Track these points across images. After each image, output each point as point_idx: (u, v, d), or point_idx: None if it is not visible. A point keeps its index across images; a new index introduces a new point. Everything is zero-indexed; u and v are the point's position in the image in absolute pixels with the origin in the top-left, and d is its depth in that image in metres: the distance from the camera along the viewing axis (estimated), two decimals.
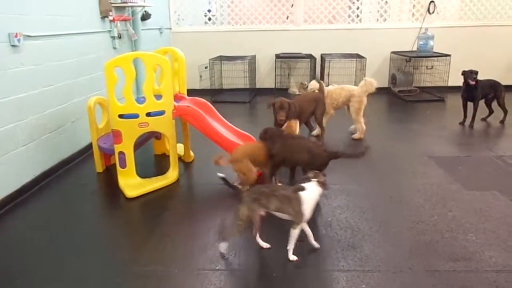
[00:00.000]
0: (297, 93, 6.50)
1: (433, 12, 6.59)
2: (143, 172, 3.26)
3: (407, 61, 6.54)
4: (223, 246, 2.28)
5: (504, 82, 4.87)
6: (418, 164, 3.62)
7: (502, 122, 4.83)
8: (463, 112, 4.83)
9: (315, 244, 2.32)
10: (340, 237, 2.46)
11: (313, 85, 4.40)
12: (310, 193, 2.21)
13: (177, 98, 3.52)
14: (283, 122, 3.57)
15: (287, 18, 6.77)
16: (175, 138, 3.26)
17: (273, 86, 6.60)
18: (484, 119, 4.92)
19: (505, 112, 4.81)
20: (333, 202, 2.92)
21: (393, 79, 6.73)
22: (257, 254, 2.32)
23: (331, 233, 2.51)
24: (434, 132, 4.61)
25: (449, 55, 6.16)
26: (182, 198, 3.14)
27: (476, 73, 4.61)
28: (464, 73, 4.69)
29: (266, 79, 6.81)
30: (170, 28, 6.76)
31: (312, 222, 2.61)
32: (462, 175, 3.31)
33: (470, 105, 4.76)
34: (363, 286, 2.03)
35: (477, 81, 4.62)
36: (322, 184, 2.25)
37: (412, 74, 6.65)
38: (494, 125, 4.80)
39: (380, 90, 6.64)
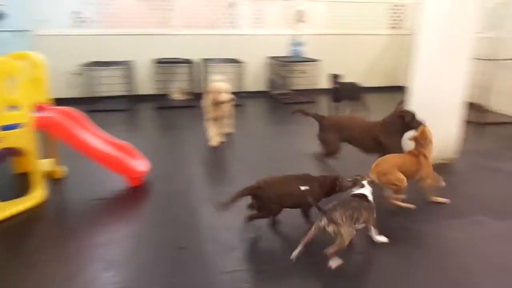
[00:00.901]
0: (179, 98, 6.42)
1: (303, 20, 7.11)
2: (1, 195, 2.84)
3: (282, 66, 6.94)
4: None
5: (365, 84, 5.48)
6: (294, 162, 3.86)
7: None
8: (331, 112, 5.30)
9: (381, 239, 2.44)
10: (222, 240, 2.48)
11: (217, 85, 4.16)
12: (371, 196, 2.39)
13: (39, 108, 3.16)
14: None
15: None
16: (37, 154, 2.92)
17: (153, 93, 6.40)
18: None
19: (366, 110, 5.41)
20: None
21: (270, 83, 7.08)
22: (137, 269, 2.20)
23: (213, 236, 2.51)
24: (308, 131, 4.94)
25: (318, 60, 6.71)
26: (50, 219, 2.81)
27: (340, 76, 5.10)
28: (330, 76, 5.15)
29: (145, 85, 6.56)
30: (32, 31, 6.07)
31: (195, 227, 2.59)
32: (332, 169, 3.60)
33: (337, 105, 5.25)
34: (246, 285, 2.07)
35: (341, 83, 5.12)
36: (372, 183, 2.47)
37: (287, 78, 7.07)
38: None
39: (259, 94, 7.00)
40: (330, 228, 2.16)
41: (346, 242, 2.18)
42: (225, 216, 2.78)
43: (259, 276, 2.15)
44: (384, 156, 2.97)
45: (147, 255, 2.34)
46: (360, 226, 2.30)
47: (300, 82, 7.10)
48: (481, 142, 4.66)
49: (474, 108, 5.23)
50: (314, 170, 3.59)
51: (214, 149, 4.20)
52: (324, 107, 6.09)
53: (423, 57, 3.65)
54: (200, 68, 6.58)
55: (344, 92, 5.18)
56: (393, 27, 7.72)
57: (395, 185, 2.82)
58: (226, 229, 2.61)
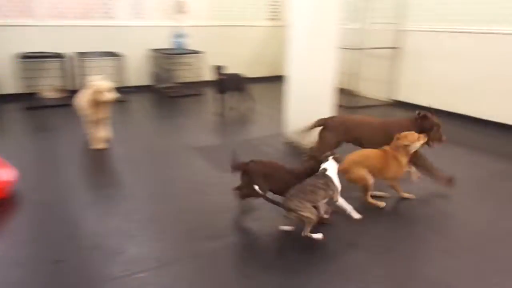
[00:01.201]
0: (51, 97, 5.82)
1: (184, 11, 6.98)
2: None
3: (165, 58, 6.75)
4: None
5: (248, 74, 5.62)
6: (183, 156, 3.80)
7: (248, 109, 5.58)
8: (217, 104, 5.34)
9: (356, 215, 2.62)
10: (106, 245, 2.33)
11: (98, 83, 3.70)
12: (333, 169, 2.48)
13: None
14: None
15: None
16: None
17: (19, 91, 5.70)
18: (233, 108, 5.56)
19: (250, 100, 5.57)
20: (101, 208, 2.74)
21: (154, 76, 6.84)
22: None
23: (96, 243, 2.34)
24: (196, 124, 4.94)
25: (202, 52, 6.67)
26: None
27: (224, 68, 5.15)
28: (214, 68, 5.17)
29: (8, 83, 5.78)
30: None
31: (74, 236, 2.39)
32: (220, 161, 3.64)
33: (222, 96, 5.30)
34: None
35: (225, 74, 5.17)
36: (337, 160, 2.54)
37: (171, 71, 6.90)
38: (242, 113, 5.49)
39: (143, 88, 6.72)
40: (292, 216, 2.34)
41: (313, 218, 2.32)
42: (107, 220, 2.62)
43: (150, 279, 2.07)
44: (353, 153, 2.90)
45: (18, 275, 2.07)
46: (323, 201, 2.46)
47: (185, 74, 7.00)
48: None
49: (345, 93, 5.75)
50: (203, 164, 3.59)
51: (94, 150, 3.90)
52: (210, 98, 6.10)
53: (296, 47, 3.87)
54: (74, 62, 6.05)
55: (228, 83, 5.25)
56: (272, 19, 8.05)
57: (358, 182, 2.80)
58: (109, 234, 2.45)
